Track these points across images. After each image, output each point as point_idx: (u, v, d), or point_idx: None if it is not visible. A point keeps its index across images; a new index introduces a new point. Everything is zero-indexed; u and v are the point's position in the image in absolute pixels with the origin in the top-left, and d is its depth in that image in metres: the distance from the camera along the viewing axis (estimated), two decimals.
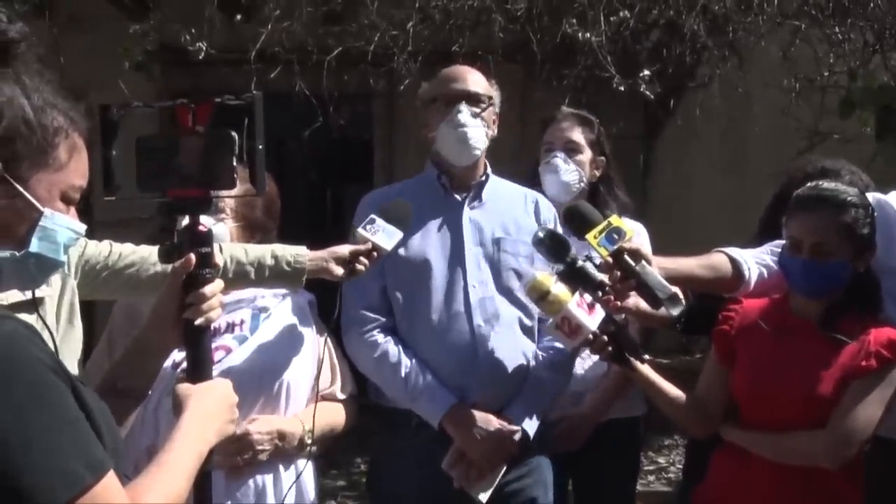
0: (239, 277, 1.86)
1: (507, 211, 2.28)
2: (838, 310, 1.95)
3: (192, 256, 1.32)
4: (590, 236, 1.91)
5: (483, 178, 2.28)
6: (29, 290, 1.25)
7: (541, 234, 2.05)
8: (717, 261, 2.09)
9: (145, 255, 1.82)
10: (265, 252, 1.90)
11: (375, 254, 1.96)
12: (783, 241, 2.03)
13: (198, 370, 1.34)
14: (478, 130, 2.19)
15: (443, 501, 2.16)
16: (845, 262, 1.92)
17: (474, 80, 2.24)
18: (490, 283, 2.20)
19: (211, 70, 4.35)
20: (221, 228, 2.04)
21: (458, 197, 2.26)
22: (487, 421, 2.14)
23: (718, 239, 2.20)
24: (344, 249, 1.95)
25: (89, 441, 1.02)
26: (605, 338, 1.94)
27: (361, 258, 1.94)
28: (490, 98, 2.24)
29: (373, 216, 1.99)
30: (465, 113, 2.17)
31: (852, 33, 4.53)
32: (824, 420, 1.88)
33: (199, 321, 1.33)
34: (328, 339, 2.11)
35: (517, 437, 2.15)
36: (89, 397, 1.07)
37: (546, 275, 1.94)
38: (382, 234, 1.96)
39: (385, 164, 5.65)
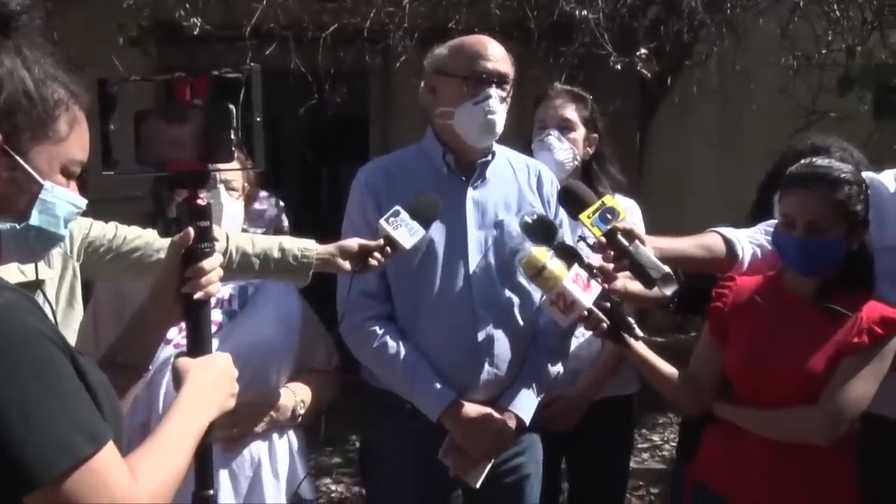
0: (243, 268, 1.85)
1: (511, 188, 2.22)
2: (832, 287, 1.96)
3: (191, 230, 1.32)
4: (583, 216, 1.91)
5: (489, 157, 2.20)
6: (29, 263, 1.25)
7: (528, 219, 2.05)
8: (710, 240, 2.10)
9: (150, 239, 1.82)
10: (272, 244, 1.88)
11: (389, 248, 1.89)
12: (776, 221, 2.04)
13: (197, 344, 1.34)
14: (503, 116, 2.12)
15: (437, 484, 2.16)
16: (839, 238, 1.93)
17: (505, 61, 2.13)
18: (492, 267, 2.15)
19: (206, 46, 4.32)
20: (239, 206, 2.08)
21: (461, 176, 2.18)
22: (485, 416, 2.12)
23: (714, 217, 2.21)
24: (353, 243, 1.91)
25: (88, 412, 1.02)
26: (600, 314, 1.94)
27: (375, 253, 1.88)
28: (513, 79, 2.15)
29: (398, 208, 1.90)
30: (494, 98, 2.08)
31: (851, 11, 4.51)
32: (816, 396, 1.90)
33: (198, 295, 1.33)
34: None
35: (513, 425, 2.14)
36: (90, 370, 1.07)
37: (542, 250, 1.93)
38: (404, 229, 1.88)
39: (381, 141, 5.64)
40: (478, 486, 2.13)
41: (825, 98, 4.31)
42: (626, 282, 2.03)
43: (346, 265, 1.89)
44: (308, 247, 1.89)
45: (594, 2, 4.13)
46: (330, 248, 1.91)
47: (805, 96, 4.46)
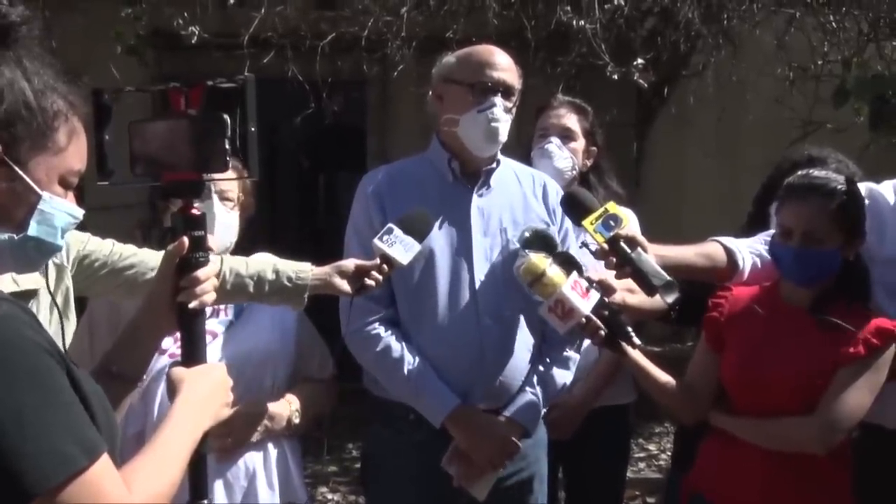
0: (237, 290, 1.83)
1: (516, 197, 2.21)
2: (828, 298, 1.96)
3: (186, 240, 1.32)
4: (586, 223, 1.91)
5: (494, 164, 2.20)
6: (26, 273, 1.25)
7: (527, 234, 2.06)
8: (711, 250, 2.10)
9: (145, 258, 1.81)
10: (266, 266, 1.87)
11: (386, 266, 1.88)
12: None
13: (192, 354, 1.34)
14: (506, 126, 2.12)
15: (440, 497, 2.13)
16: (836, 249, 1.93)
17: (512, 72, 2.14)
18: (497, 275, 2.13)
19: (203, 55, 4.34)
20: (234, 217, 2.08)
21: (466, 184, 2.18)
22: (490, 422, 2.11)
23: (711, 227, 2.21)
24: (349, 264, 1.89)
25: (83, 423, 1.02)
26: (598, 322, 1.94)
27: (373, 273, 1.87)
28: (519, 92, 2.16)
29: (391, 225, 1.90)
30: (499, 107, 2.09)
31: (847, 22, 4.54)
32: (812, 406, 1.90)
33: (192, 305, 1.33)
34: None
35: (518, 435, 2.12)
36: (84, 380, 1.07)
37: (541, 257, 1.93)
38: (399, 246, 1.88)
39: (378, 150, 5.64)
40: (483, 499, 2.10)
41: (821, 109, 4.32)
42: (624, 294, 2.03)
43: (344, 285, 1.87)
44: (303, 269, 1.87)
45: (591, 12, 4.15)
46: (326, 269, 1.89)
47: (801, 107, 4.48)
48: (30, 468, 0.96)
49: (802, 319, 1.96)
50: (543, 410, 2.20)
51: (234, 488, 1.97)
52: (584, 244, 1.97)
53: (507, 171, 2.25)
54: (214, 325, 2.02)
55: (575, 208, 1.98)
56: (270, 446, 2.04)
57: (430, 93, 2.23)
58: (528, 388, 2.17)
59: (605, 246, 1.89)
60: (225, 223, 2.05)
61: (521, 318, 2.16)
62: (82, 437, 1.01)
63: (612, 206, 1.93)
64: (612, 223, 1.89)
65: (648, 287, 1.87)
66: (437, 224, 2.10)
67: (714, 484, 2.04)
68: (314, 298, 1.93)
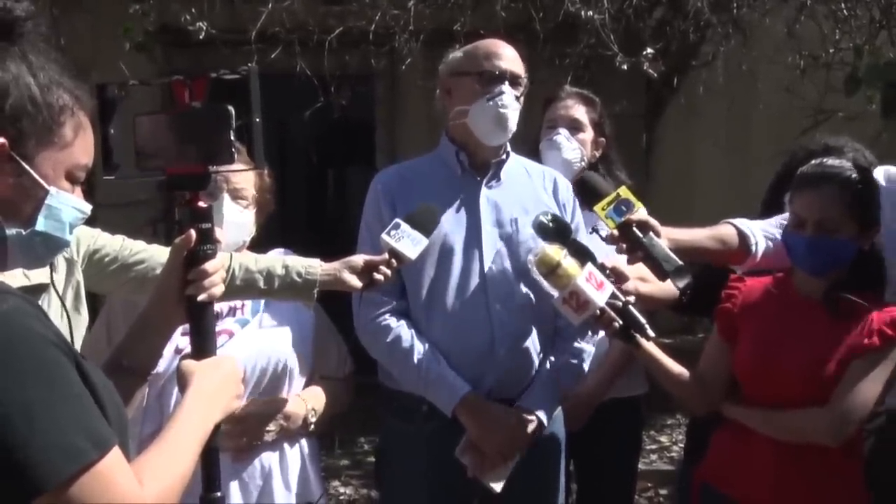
0: (247, 286, 1.84)
1: (526, 190, 2.22)
2: (842, 287, 1.94)
3: (193, 232, 1.32)
4: (598, 208, 1.91)
5: (503, 156, 2.22)
6: (35, 268, 1.25)
7: (542, 219, 2.05)
8: (725, 232, 2.09)
9: (155, 254, 1.82)
10: (275, 262, 1.87)
11: (395, 261, 1.89)
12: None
13: (202, 346, 1.34)
14: (516, 114, 2.14)
15: (454, 489, 2.12)
16: (849, 238, 1.91)
17: (517, 62, 2.17)
18: (507, 265, 2.14)
19: (211, 51, 4.34)
20: (247, 216, 2.06)
21: (476, 176, 2.19)
22: (502, 412, 2.10)
23: (721, 217, 2.20)
24: (358, 259, 1.90)
25: (93, 416, 1.02)
26: (613, 313, 1.93)
27: (381, 267, 1.88)
28: (526, 83, 2.18)
29: (398, 220, 1.91)
30: (508, 94, 2.11)
31: (858, 9, 4.50)
32: (825, 397, 1.88)
33: (201, 297, 1.33)
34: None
35: (532, 427, 2.12)
36: (94, 374, 1.07)
37: (556, 248, 1.92)
38: (407, 240, 1.89)
39: (387, 144, 5.64)
40: (498, 491, 2.09)
41: (832, 97, 4.28)
42: (637, 283, 2.02)
43: (354, 280, 1.87)
44: (312, 264, 1.88)
45: (600, 2, 4.13)
46: (335, 264, 1.89)
47: (812, 96, 4.44)
48: (40, 462, 0.96)
49: (816, 310, 1.95)
50: (558, 400, 2.19)
51: (250, 487, 1.97)
52: (595, 230, 1.96)
53: (517, 165, 2.26)
54: (231, 324, 2.02)
55: (587, 193, 1.98)
56: (286, 446, 2.04)
57: (438, 90, 2.24)
58: (540, 380, 2.16)
59: (615, 232, 1.88)
60: (237, 222, 2.04)
61: (533, 308, 2.16)
62: (92, 430, 1.01)
63: (625, 191, 1.92)
64: (623, 208, 1.88)
65: (660, 272, 1.87)
66: (446, 215, 2.11)
67: (725, 475, 2.03)
68: (328, 293, 1.93)
